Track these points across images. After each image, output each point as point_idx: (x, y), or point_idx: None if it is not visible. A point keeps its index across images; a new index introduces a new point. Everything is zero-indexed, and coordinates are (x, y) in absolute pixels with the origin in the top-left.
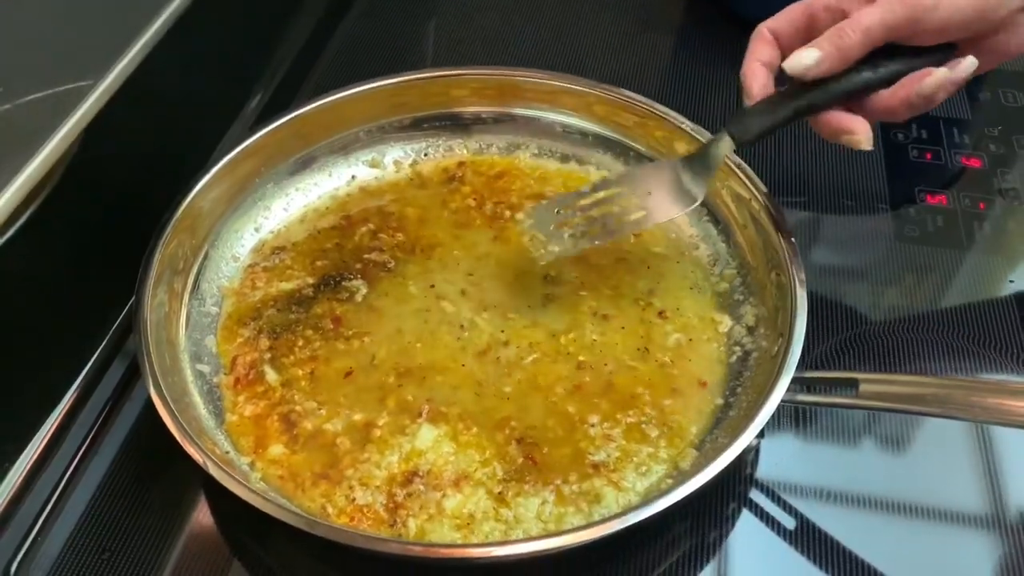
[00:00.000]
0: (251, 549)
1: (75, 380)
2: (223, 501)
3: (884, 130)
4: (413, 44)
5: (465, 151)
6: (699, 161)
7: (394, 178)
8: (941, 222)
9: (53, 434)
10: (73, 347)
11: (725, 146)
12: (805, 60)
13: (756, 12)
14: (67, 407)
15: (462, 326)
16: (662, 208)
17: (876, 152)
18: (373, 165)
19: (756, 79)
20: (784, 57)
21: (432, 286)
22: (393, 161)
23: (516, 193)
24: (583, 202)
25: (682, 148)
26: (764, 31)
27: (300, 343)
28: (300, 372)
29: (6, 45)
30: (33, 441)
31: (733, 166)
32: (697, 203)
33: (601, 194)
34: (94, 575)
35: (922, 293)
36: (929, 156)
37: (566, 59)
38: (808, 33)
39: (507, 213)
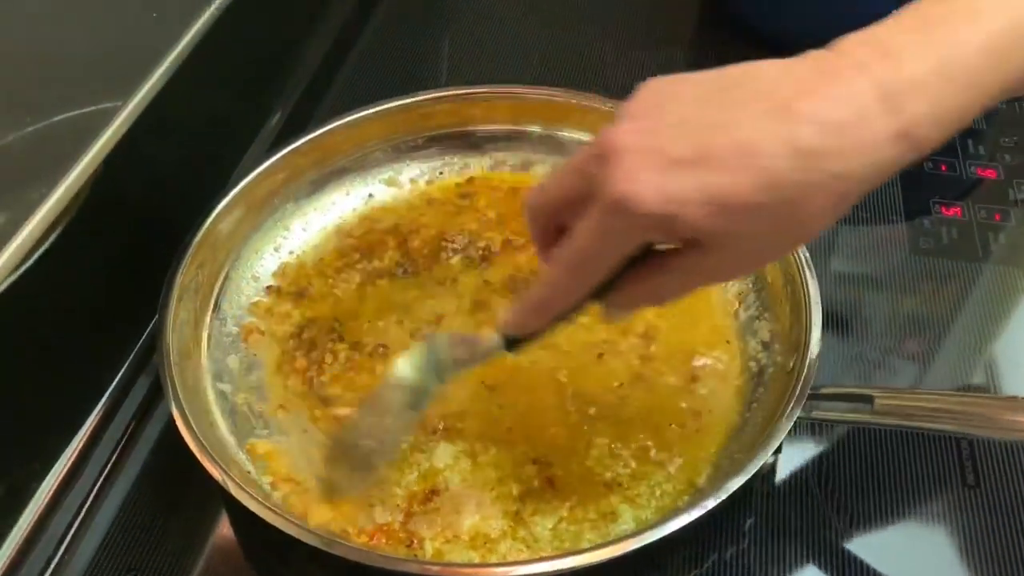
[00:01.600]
0: (273, 567)
1: (99, 400)
2: (244, 519)
3: None
4: (427, 63)
5: (480, 168)
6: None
7: (410, 196)
8: (956, 234)
9: (79, 454)
10: (97, 367)
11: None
12: (509, 327)
13: (769, 27)
14: (92, 427)
15: None
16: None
17: None
18: (390, 183)
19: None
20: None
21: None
22: (409, 179)
23: None
24: None
25: None
26: (529, 207)
27: (328, 360)
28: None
29: (34, 68)
30: (59, 461)
31: None
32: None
33: None
34: None
35: (938, 306)
36: (944, 167)
37: (578, 75)
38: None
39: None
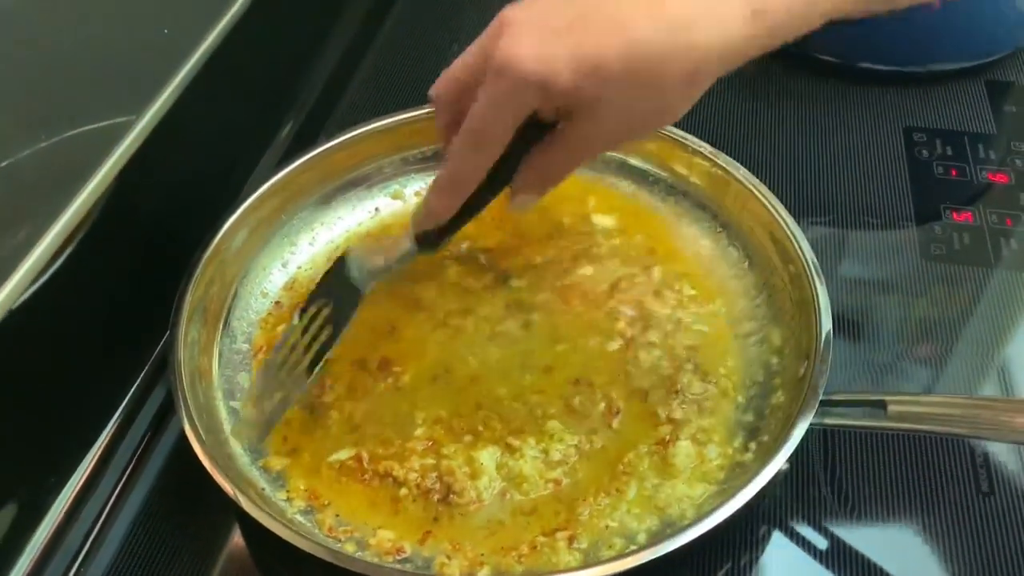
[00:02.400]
0: None
1: (113, 414)
2: (256, 533)
3: (908, 147)
4: (435, 76)
5: None
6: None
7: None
8: (968, 239)
9: (94, 468)
10: (110, 382)
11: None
12: (422, 221)
13: None
14: (106, 441)
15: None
16: (340, 316)
17: (901, 169)
18: (395, 197)
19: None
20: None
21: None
22: (415, 192)
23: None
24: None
25: (700, 172)
26: (435, 93)
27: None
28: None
29: (48, 83)
30: (74, 475)
31: (752, 188)
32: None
33: (297, 322)
34: None
35: (949, 311)
36: (955, 172)
37: None
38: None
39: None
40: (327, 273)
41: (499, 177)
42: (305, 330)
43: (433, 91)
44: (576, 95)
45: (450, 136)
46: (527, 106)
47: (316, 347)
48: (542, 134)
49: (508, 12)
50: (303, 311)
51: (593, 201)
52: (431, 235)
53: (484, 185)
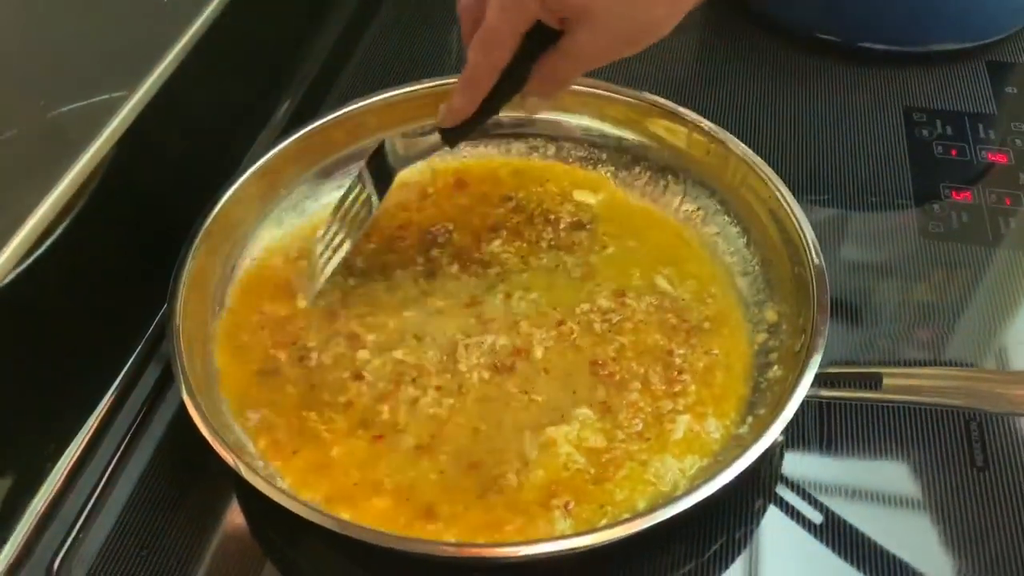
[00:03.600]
0: (282, 549)
1: (112, 383)
2: (253, 502)
3: (908, 126)
4: (435, 52)
5: (485, 156)
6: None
7: (415, 184)
8: (967, 218)
9: (91, 436)
10: (109, 353)
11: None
12: (444, 118)
13: (780, 15)
14: (104, 411)
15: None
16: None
17: (900, 149)
18: None
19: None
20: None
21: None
22: (414, 167)
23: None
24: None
25: (699, 150)
26: (459, 5)
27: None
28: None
29: (47, 57)
30: (72, 443)
31: (751, 164)
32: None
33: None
34: (133, 571)
35: (948, 291)
36: (954, 152)
37: None
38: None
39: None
40: (368, 160)
41: (513, 81)
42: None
43: (459, 3)
44: (569, 4)
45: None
46: (529, 12)
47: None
48: (548, 43)
49: None
50: (348, 191)
51: (591, 177)
52: (454, 131)
53: (500, 87)
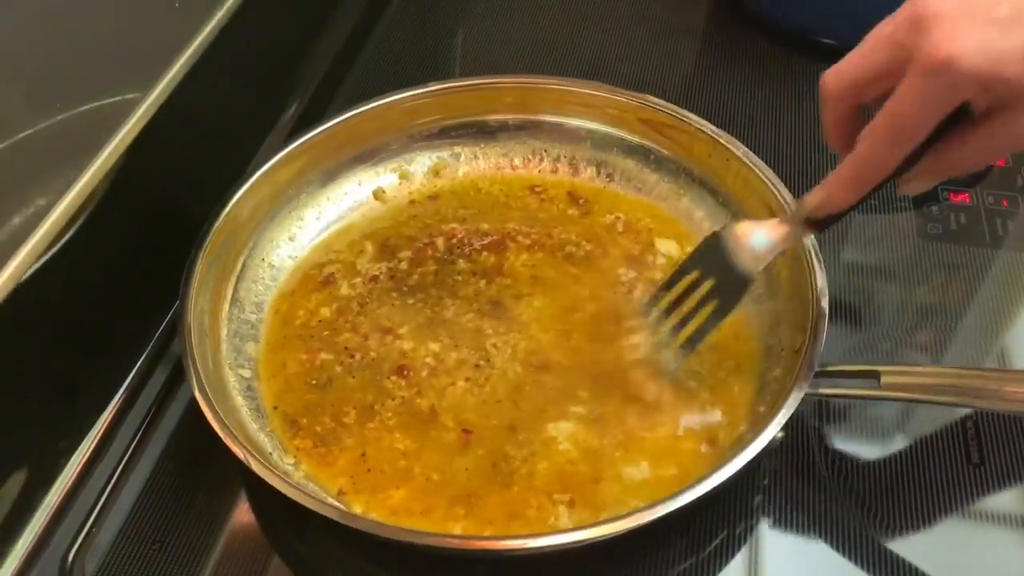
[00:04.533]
0: (291, 543)
1: (124, 381)
2: (263, 497)
3: None
4: (441, 54)
5: (490, 157)
6: (758, 233)
7: (420, 186)
8: (964, 220)
9: (104, 431)
10: (122, 350)
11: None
12: (818, 207)
13: (780, 20)
14: (117, 406)
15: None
16: (726, 297)
17: None
18: (401, 176)
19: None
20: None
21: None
22: (420, 170)
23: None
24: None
25: (703, 152)
26: (831, 89)
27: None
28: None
29: (59, 60)
30: (86, 438)
31: (752, 166)
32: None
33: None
34: (145, 564)
35: (948, 293)
36: None
37: (589, 66)
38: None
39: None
40: (698, 249)
41: (903, 164)
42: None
43: (827, 87)
44: (1015, 86)
45: (840, 131)
46: (959, 97)
47: (699, 317)
48: (953, 123)
49: (928, 4)
50: (681, 270)
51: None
52: (823, 220)
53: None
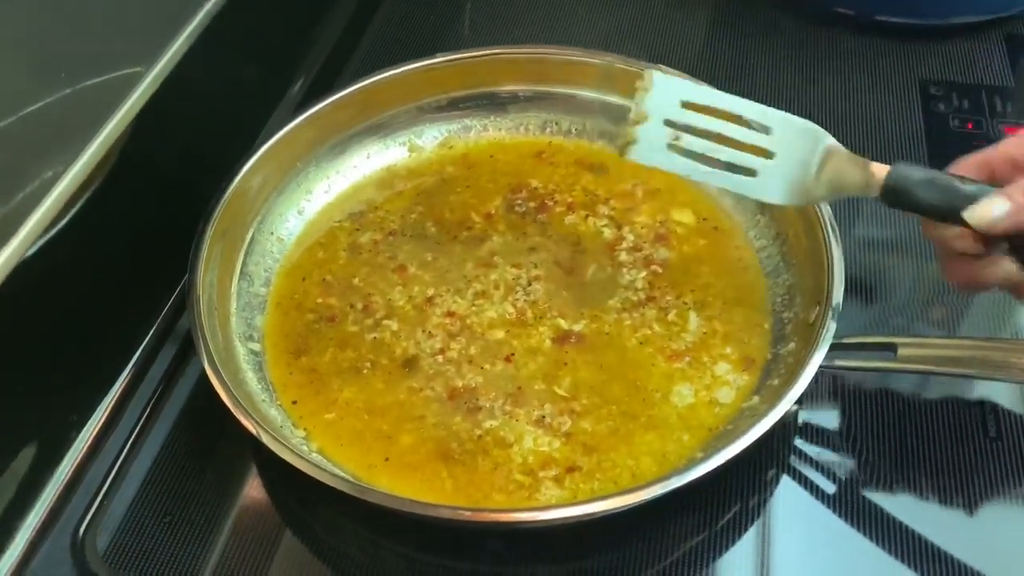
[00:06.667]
0: (301, 516)
1: (134, 355)
2: (273, 471)
3: (924, 99)
4: (450, 24)
5: (500, 130)
6: (847, 168)
7: (430, 158)
8: None
9: (114, 405)
10: (130, 325)
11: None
12: (993, 212)
13: None
14: (126, 381)
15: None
16: (772, 183)
17: (916, 122)
18: (410, 148)
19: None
20: None
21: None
22: (429, 142)
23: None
24: (706, 123)
25: None
26: None
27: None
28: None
29: (64, 34)
30: (96, 412)
31: None
32: (806, 203)
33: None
34: (157, 537)
35: None
36: (971, 125)
37: (599, 37)
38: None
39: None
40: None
41: None
42: None
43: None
44: None
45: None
46: None
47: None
48: None
49: None
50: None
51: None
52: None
53: None
